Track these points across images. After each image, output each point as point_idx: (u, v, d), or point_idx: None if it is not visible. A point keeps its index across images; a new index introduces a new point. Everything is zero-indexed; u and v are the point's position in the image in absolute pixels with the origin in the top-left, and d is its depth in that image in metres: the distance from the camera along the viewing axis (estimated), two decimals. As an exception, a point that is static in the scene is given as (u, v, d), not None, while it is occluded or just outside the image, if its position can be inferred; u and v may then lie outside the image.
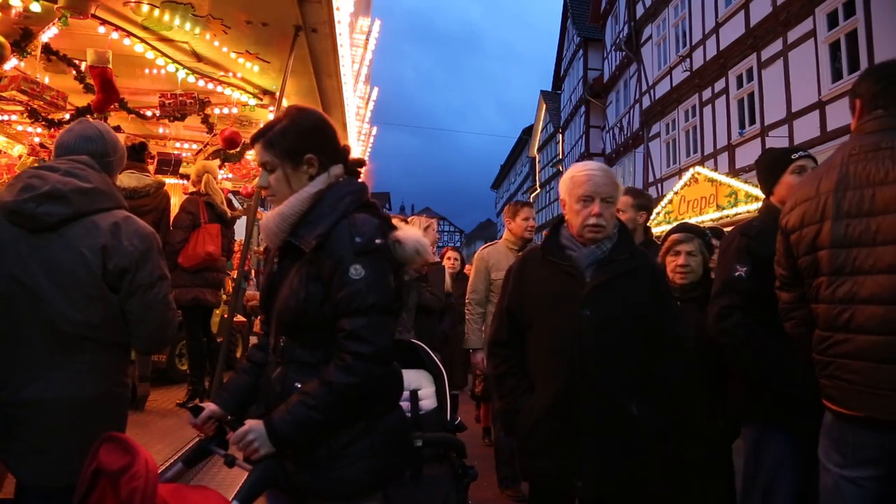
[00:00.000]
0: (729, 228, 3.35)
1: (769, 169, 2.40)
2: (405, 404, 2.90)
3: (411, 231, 1.63)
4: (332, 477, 1.47)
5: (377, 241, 1.50)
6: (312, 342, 1.53)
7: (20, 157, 6.54)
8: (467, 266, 5.79)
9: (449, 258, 5.40)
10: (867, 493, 1.65)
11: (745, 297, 2.17)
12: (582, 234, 2.02)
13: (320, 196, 1.56)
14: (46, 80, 4.55)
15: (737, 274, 2.20)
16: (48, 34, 4.02)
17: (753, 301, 2.15)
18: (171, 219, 4.74)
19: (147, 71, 4.90)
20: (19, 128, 5.89)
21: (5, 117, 5.55)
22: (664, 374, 2.02)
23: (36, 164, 3.99)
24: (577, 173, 2.05)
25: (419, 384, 2.94)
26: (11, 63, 4.13)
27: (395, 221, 1.68)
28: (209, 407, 1.63)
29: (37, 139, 6.24)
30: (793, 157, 2.33)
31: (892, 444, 1.59)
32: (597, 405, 1.92)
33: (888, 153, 1.66)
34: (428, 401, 2.90)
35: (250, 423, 1.45)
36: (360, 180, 1.68)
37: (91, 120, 2.61)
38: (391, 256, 1.55)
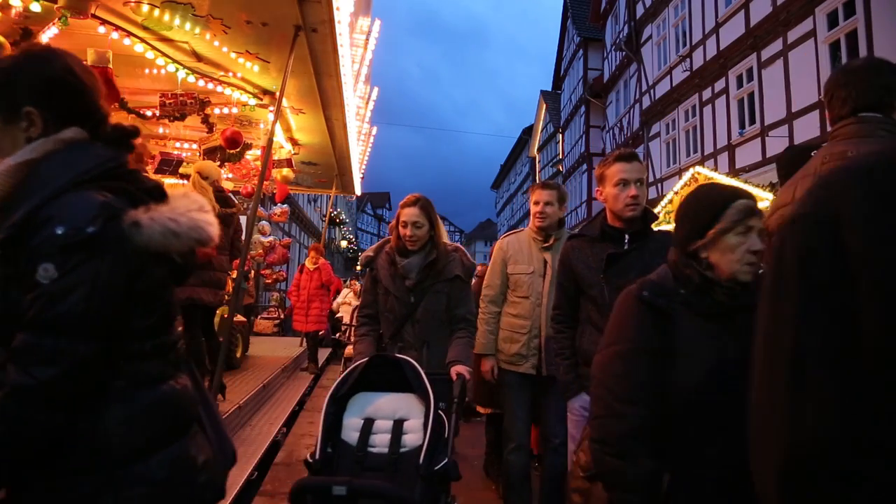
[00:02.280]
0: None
1: (789, 166, 2.40)
2: (384, 437, 2.24)
3: (169, 205, 1.18)
4: None
5: (89, 229, 1.04)
6: None
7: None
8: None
9: None
10: None
11: None
12: None
13: (29, 168, 1.10)
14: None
15: (760, 272, 2.20)
16: (48, 34, 4.04)
17: None
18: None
19: (147, 71, 4.91)
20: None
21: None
22: None
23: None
24: None
25: (407, 413, 2.32)
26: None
27: (175, 192, 1.23)
28: None
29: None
30: (813, 154, 2.34)
31: None
32: None
33: None
34: (413, 435, 2.26)
35: None
36: (112, 150, 1.20)
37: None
38: (124, 248, 1.10)
